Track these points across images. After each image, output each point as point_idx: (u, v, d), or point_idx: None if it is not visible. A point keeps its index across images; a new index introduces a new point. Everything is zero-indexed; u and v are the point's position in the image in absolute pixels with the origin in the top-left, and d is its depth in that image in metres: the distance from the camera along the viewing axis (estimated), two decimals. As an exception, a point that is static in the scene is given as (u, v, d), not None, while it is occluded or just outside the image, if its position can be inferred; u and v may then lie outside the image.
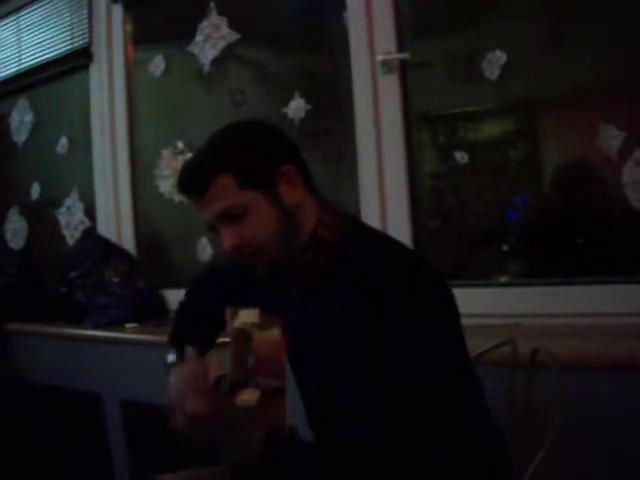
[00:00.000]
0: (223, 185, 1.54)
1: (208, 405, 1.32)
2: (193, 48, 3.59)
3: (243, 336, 1.24)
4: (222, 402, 1.27)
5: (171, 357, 1.86)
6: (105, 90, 4.01)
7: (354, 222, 1.69)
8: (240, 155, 1.57)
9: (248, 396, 1.21)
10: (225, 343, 1.25)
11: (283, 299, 1.66)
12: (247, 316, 1.32)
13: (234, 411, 1.26)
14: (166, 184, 3.76)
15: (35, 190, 4.56)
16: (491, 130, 2.79)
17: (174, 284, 3.55)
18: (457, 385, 1.46)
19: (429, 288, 1.51)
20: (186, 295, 2.08)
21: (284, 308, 1.59)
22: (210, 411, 1.32)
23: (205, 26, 3.53)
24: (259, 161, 1.58)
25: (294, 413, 1.53)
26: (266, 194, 1.56)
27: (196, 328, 1.94)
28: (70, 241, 4.32)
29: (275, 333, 1.39)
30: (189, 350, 1.78)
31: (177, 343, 1.89)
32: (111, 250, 3.80)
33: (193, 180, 1.59)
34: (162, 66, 3.79)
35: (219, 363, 1.27)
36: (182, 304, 2.07)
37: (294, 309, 1.62)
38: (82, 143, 4.22)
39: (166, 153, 3.76)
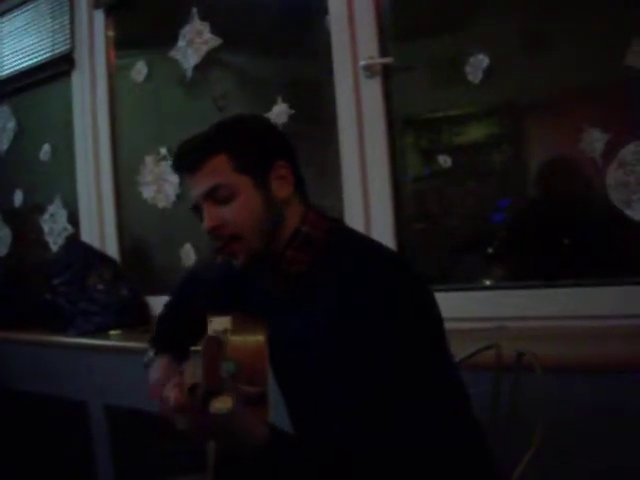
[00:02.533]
0: (217, 164, 1.55)
1: (185, 416, 1.30)
2: (175, 53, 3.58)
3: (214, 344, 1.22)
4: (196, 410, 1.26)
5: (149, 356, 1.88)
6: (87, 96, 4.00)
7: (338, 224, 1.69)
8: (239, 139, 1.59)
9: (221, 404, 1.20)
10: (199, 351, 1.25)
11: (268, 301, 1.67)
12: (219, 324, 1.31)
13: (208, 419, 1.25)
14: (149, 190, 3.75)
15: (18, 197, 4.55)
16: (474, 134, 2.79)
17: (158, 291, 3.54)
18: (442, 384, 1.45)
19: (414, 290, 1.52)
20: (171, 297, 2.08)
21: (269, 310, 1.59)
22: (191, 423, 1.31)
23: (187, 31, 3.53)
24: (257, 149, 1.59)
25: (277, 418, 1.53)
26: (257, 182, 1.57)
27: (178, 331, 1.95)
28: (54, 248, 4.31)
29: (258, 339, 1.38)
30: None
31: (158, 344, 1.91)
32: (95, 257, 3.78)
33: (189, 156, 1.60)
34: (144, 72, 3.78)
35: (193, 371, 1.27)
36: (167, 306, 2.07)
37: (278, 310, 1.62)
38: (65, 150, 4.21)
39: (149, 159, 3.75)
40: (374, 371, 1.40)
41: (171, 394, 1.28)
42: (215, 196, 1.56)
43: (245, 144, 1.59)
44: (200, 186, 1.57)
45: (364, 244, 1.64)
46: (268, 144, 1.63)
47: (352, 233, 1.69)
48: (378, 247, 1.63)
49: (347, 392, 1.44)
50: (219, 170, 1.55)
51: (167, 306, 2.07)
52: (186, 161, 1.61)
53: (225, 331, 1.29)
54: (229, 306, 1.61)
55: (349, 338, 1.43)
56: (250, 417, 1.32)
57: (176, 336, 1.94)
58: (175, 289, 2.09)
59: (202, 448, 1.48)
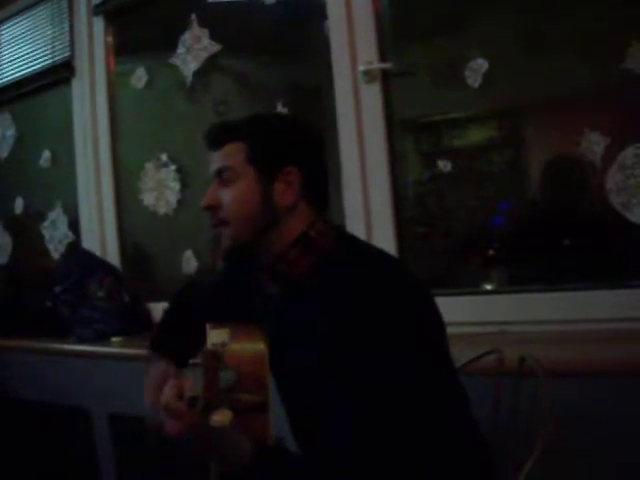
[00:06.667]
0: (234, 149, 1.62)
1: (183, 426, 1.31)
2: (175, 60, 3.59)
3: (212, 358, 1.24)
4: (196, 423, 1.27)
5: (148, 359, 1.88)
6: (87, 103, 4.00)
7: (345, 233, 1.70)
8: (261, 134, 1.64)
9: (220, 417, 1.21)
10: (198, 364, 1.26)
11: (269, 309, 1.66)
12: (217, 336, 1.32)
13: (208, 431, 1.26)
14: (150, 197, 3.75)
15: (19, 204, 4.55)
16: (474, 137, 2.79)
17: (159, 297, 3.53)
18: (441, 395, 1.45)
19: (417, 301, 1.52)
20: (170, 304, 2.09)
21: (270, 318, 1.59)
22: (185, 432, 1.31)
23: (187, 38, 3.53)
24: (273, 148, 1.63)
25: (279, 426, 1.53)
26: (261, 177, 1.61)
27: (177, 337, 1.95)
28: (54, 255, 4.31)
29: (258, 347, 1.38)
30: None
31: (156, 349, 1.91)
32: (96, 264, 3.78)
33: (216, 134, 1.68)
34: (144, 78, 3.78)
35: (193, 384, 1.27)
36: (167, 312, 2.07)
37: (280, 318, 1.62)
38: (65, 157, 4.21)
39: (149, 166, 3.75)
40: (382, 381, 1.40)
41: (167, 399, 1.29)
42: (222, 177, 1.62)
43: (264, 140, 1.63)
44: (215, 163, 1.65)
45: (369, 254, 1.64)
46: (285, 147, 1.65)
47: (358, 242, 1.70)
48: (383, 256, 1.63)
49: (352, 401, 1.44)
50: (233, 154, 1.62)
51: (167, 312, 2.08)
52: (212, 139, 1.68)
53: (223, 344, 1.30)
54: (229, 314, 1.61)
55: (355, 347, 1.43)
56: (238, 432, 1.33)
57: (175, 342, 1.94)
58: (175, 295, 2.10)
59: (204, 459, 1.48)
